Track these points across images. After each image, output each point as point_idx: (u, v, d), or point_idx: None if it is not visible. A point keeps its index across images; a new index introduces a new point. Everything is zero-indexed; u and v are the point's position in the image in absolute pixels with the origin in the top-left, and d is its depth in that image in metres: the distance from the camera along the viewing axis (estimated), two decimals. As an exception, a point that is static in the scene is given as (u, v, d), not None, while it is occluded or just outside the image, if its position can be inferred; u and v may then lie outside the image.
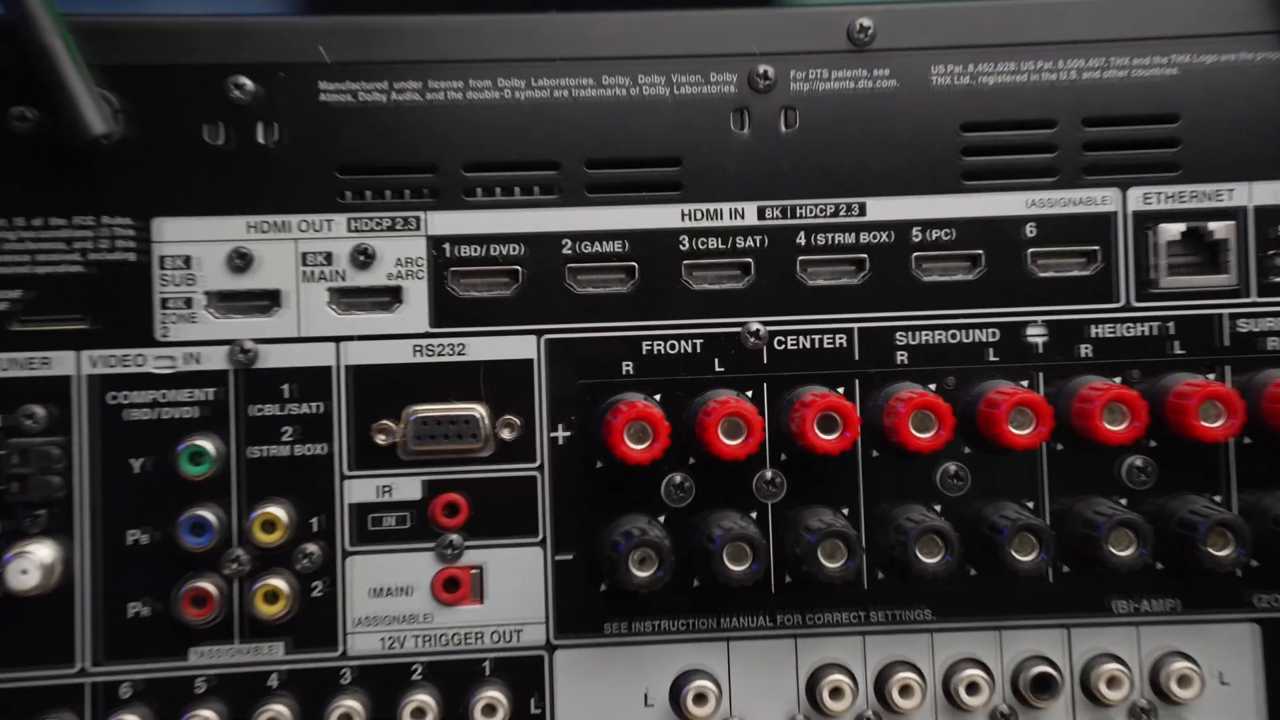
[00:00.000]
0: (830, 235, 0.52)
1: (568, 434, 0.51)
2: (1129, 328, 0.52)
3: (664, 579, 0.48)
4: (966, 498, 0.52)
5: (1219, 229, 0.53)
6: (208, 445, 0.50)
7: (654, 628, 0.52)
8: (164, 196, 0.51)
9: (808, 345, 0.52)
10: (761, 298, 0.52)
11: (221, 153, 0.51)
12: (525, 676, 0.52)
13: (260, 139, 0.51)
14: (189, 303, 0.51)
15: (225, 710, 0.51)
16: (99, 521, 0.50)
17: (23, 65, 0.49)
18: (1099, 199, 0.52)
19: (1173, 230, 0.52)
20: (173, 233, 0.51)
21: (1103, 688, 0.52)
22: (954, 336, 0.52)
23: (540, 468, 0.52)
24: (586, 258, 0.51)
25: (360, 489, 0.51)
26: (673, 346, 0.52)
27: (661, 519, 0.52)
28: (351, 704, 0.51)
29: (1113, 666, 0.52)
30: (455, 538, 0.51)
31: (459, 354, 0.51)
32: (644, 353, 0.52)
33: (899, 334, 0.52)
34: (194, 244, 0.51)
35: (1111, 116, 0.52)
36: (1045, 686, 0.52)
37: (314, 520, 0.51)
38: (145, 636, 0.50)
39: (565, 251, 0.51)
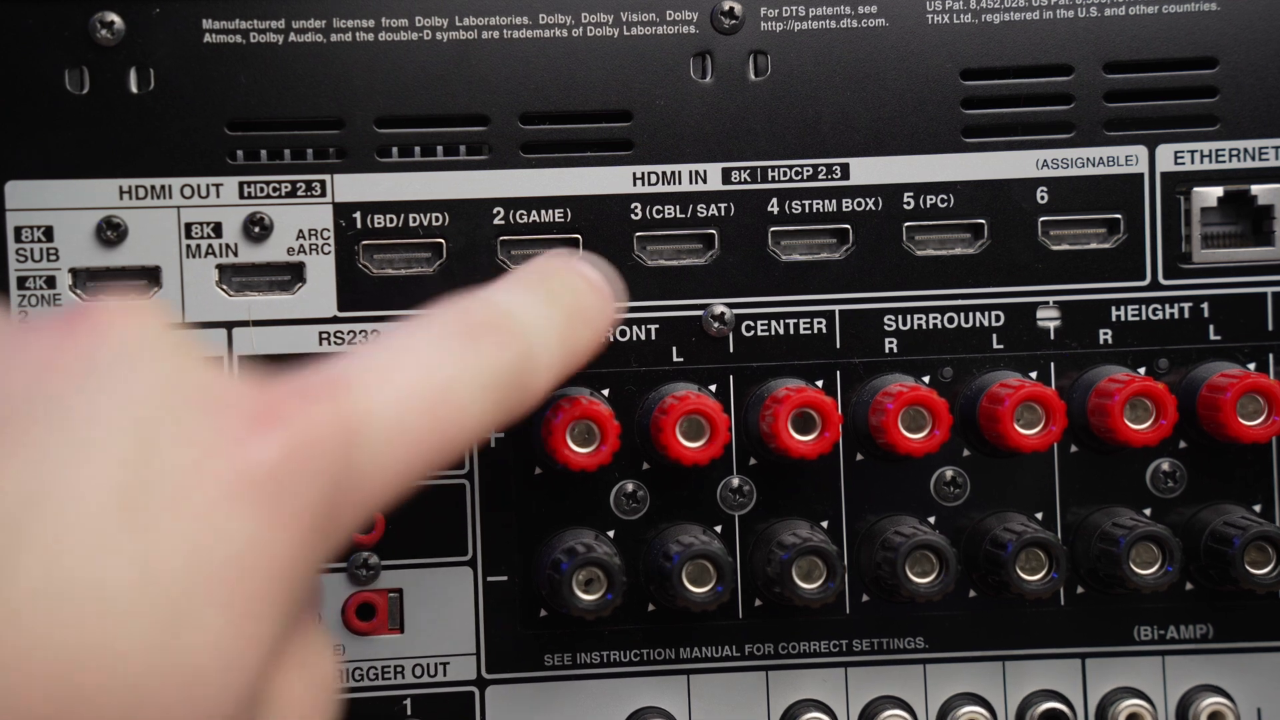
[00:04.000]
0: (807, 202, 0.51)
1: (499, 436, 0.51)
2: (1156, 309, 0.52)
3: (614, 603, 0.47)
4: (965, 508, 0.52)
5: (1264, 193, 0.52)
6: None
7: (602, 660, 0.51)
8: (18, 156, 0.49)
9: (781, 331, 0.51)
10: (727, 275, 0.51)
11: (87, 104, 0.48)
12: (452, 717, 0.51)
13: (133, 87, 0.49)
14: (51, 282, 0.49)
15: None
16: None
17: None
18: (1123, 158, 0.52)
19: (1209, 195, 0.52)
20: (30, 199, 0.49)
21: (1122, 727, 0.52)
22: (951, 320, 0.52)
23: (468, 475, 0.51)
24: (521, 229, 0.50)
25: (257, 500, 0.50)
26: (623, 333, 0.51)
27: (611, 534, 0.51)
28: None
29: (1134, 703, 0.52)
30: (370, 557, 0.50)
31: (372, 342, 0.50)
32: (589, 340, 0.51)
33: (887, 318, 0.51)
34: (56, 212, 0.49)
35: (1138, 61, 0.51)
36: (1056, 726, 0.52)
37: (203, 538, 0.49)
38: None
39: (497, 222, 0.50)
